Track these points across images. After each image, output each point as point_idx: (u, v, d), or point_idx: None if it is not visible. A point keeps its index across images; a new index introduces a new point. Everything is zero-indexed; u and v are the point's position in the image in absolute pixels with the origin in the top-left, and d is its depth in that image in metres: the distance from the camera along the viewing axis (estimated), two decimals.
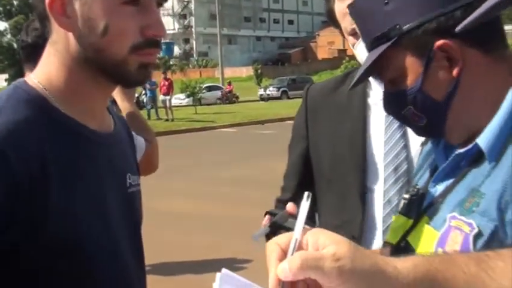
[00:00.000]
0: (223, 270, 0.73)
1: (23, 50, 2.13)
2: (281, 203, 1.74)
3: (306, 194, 0.71)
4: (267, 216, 1.52)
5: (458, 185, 0.94)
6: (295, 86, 36.28)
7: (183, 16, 71.00)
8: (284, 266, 0.66)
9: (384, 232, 1.45)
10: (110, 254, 1.06)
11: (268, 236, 1.22)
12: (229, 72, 53.80)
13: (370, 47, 1.00)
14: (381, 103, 1.08)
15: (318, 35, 68.28)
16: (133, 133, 1.69)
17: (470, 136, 0.95)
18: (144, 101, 22.47)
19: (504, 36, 0.99)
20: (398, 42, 0.95)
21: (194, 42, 70.47)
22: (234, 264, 4.99)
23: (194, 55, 68.78)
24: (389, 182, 1.50)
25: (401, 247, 1.01)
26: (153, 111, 21.54)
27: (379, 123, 1.55)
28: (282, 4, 79.11)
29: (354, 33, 1.52)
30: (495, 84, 0.94)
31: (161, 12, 1.12)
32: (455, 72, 0.94)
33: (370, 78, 1.39)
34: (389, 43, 0.96)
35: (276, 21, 78.56)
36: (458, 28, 0.73)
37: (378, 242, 1.47)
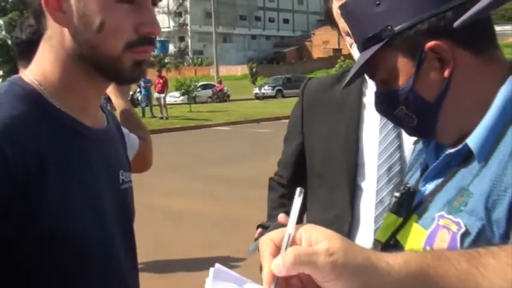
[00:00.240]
0: (217, 265, 0.73)
1: (17, 46, 2.12)
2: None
3: (298, 189, 0.72)
4: (259, 230, 1.53)
5: (447, 184, 0.95)
6: (290, 85, 36.21)
7: (178, 14, 70.79)
8: (278, 262, 0.66)
9: (375, 232, 1.46)
10: (104, 250, 1.06)
11: None
12: (224, 70, 53.77)
13: (362, 48, 1.01)
14: None
15: (313, 34, 68.16)
16: (127, 131, 1.70)
17: (460, 136, 0.96)
18: (139, 98, 22.37)
19: (495, 36, 1.00)
20: (390, 43, 0.96)
21: (189, 40, 70.26)
22: (227, 262, 4.98)
23: (189, 53, 68.58)
24: (382, 182, 1.50)
25: (390, 245, 1.02)
26: (147, 109, 21.44)
27: (373, 122, 1.55)
28: (278, 3, 78.91)
29: None
30: (485, 85, 0.95)
31: (156, 10, 1.12)
32: (446, 73, 0.94)
33: (367, 77, 1.40)
34: (381, 44, 0.96)
35: (271, 20, 78.41)
36: (456, 23, 0.73)
37: (367, 241, 1.48)
